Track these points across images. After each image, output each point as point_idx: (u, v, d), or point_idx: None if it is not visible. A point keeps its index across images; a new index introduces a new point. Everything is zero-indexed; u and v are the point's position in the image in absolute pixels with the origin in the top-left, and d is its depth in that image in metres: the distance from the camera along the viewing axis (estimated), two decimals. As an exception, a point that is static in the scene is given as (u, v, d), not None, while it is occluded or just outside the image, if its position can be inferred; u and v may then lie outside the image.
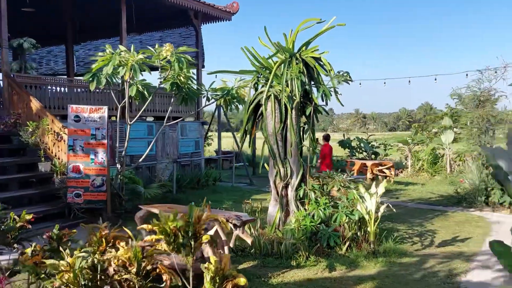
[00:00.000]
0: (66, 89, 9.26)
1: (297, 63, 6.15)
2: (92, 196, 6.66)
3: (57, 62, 15.92)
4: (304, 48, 6.33)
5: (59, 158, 7.34)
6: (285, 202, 6.27)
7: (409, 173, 13.69)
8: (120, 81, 8.27)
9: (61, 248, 3.14)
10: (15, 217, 3.73)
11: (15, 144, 7.69)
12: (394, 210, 6.35)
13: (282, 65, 6.11)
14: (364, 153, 14.34)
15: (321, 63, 6.21)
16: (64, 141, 7.24)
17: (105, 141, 6.71)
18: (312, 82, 6.38)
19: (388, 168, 11.84)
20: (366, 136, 15.03)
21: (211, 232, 3.15)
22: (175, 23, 12.97)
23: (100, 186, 6.69)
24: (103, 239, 2.82)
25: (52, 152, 7.47)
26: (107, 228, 3.15)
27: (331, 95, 6.04)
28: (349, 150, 14.49)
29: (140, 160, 7.86)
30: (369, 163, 11.97)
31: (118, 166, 7.35)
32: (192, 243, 2.67)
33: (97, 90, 10.19)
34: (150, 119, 11.98)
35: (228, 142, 20.72)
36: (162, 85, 7.51)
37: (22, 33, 10.15)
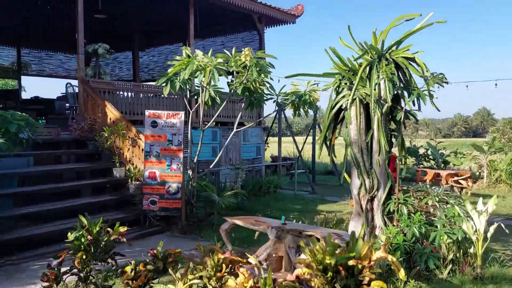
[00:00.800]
0: (132, 93, 9.33)
1: (387, 64, 5.69)
2: (167, 204, 6.54)
3: (122, 68, 16.36)
4: (394, 47, 5.85)
5: (133, 164, 7.32)
6: (370, 216, 5.80)
7: (484, 184, 12.66)
8: (189, 86, 8.14)
9: (170, 271, 2.89)
10: (109, 229, 3.57)
11: (90, 149, 7.78)
12: (507, 230, 5.62)
13: (369, 66, 5.68)
14: (432, 162, 13.45)
15: (414, 64, 5.70)
16: (139, 146, 7.21)
17: (181, 147, 6.58)
18: (401, 85, 5.89)
19: (465, 179, 10.96)
20: (434, 143, 14.13)
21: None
22: (238, 28, 12.86)
23: (175, 194, 6.55)
24: (222, 264, 2.52)
25: (126, 158, 7.47)
26: (222, 250, 2.86)
27: (426, 99, 5.52)
28: (415, 158, 13.66)
29: (211, 166, 7.70)
30: (443, 173, 11.14)
31: (190, 172, 7.20)
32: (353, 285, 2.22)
33: (164, 96, 10.26)
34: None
35: (282, 147, 20.38)
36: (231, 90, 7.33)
37: (92, 40, 10.41)
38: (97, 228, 3.35)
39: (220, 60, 6.52)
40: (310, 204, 10.13)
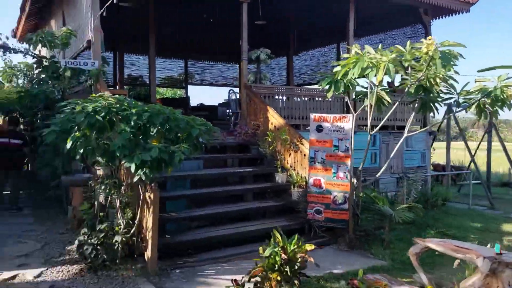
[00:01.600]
0: (286, 97, 9.17)
1: None
2: (334, 214, 6.05)
3: (274, 74, 16.71)
4: None
5: (294, 170, 7.06)
6: None
7: None
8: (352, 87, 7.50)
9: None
10: (294, 248, 3.20)
11: (253, 154, 7.81)
12: None
13: None
14: None
15: None
16: (301, 152, 6.92)
17: (349, 154, 6.03)
18: None
19: None
20: None
21: None
22: (399, 23, 11.76)
23: (342, 204, 6.02)
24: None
25: (287, 163, 7.26)
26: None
27: None
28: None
29: (378, 175, 6.95)
30: None
31: (354, 181, 6.59)
32: None
33: (318, 99, 9.90)
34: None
35: (442, 153, 18.14)
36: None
37: (251, 47, 10.68)
38: (292, 247, 3.02)
39: (393, 55, 5.76)
40: (492, 222, 8.51)
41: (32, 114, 10.38)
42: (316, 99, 9.81)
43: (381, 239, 6.19)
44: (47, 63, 7.02)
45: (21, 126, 10.18)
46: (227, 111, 11.75)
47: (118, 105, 4.22)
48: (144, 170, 3.99)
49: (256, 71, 9.66)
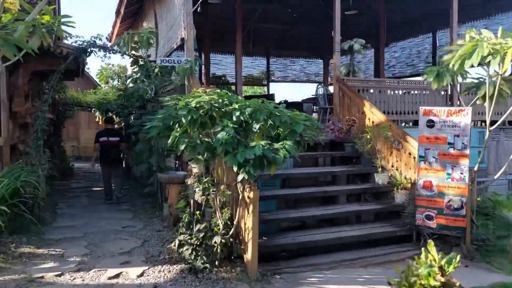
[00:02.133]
0: (378, 91, 8.47)
1: None
2: (448, 221, 5.34)
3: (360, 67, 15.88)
4: None
5: (397, 169, 6.42)
6: None
7: None
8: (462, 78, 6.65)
9: None
10: (437, 270, 2.68)
11: (347, 152, 7.29)
12: None
13: None
14: None
15: None
16: (405, 150, 6.27)
17: (467, 152, 5.27)
18: None
19: None
20: None
21: None
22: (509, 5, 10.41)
23: (458, 209, 5.29)
24: None
25: (388, 162, 6.63)
26: None
27: None
28: None
29: (496, 176, 6.05)
30: None
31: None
32: None
33: (414, 92, 9.05)
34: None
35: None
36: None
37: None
38: (452, 269, 2.54)
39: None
40: None
41: (127, 113, 10.88)
42: (412, 92, 9.00)
43: (505, 251, 5.35)
44: (142, 63, 7.16)
45: (116, 126, 10.76)
46: (313, 107, 11.30)
47: (220, 100, 4.01)
48: (247, 168, 3.73)
49: (349, 63, 9.09)
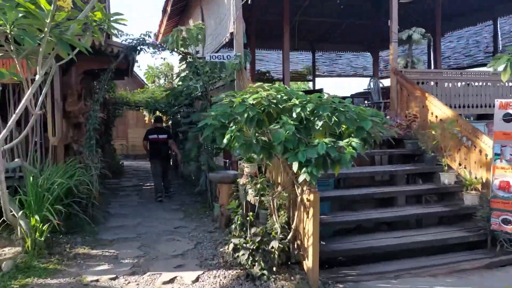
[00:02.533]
0: (435, 83, 7.84)
1: None
2: (530, 226, 4.77)
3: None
4: None
5: (465, 168, 5.87)
6: None
7: None
8: None
9: None
10: None
11: (408, 149, 6.79)
12: None
13: None
14: None
15: None
16: (475, 147, 5.71)
17: (553, 150, 4.67)
18: None
19: None
20: None
21: None
22: None
23: (543, 214, 4.70)
24: None
25: (454, 161, 6.09)
26: None
27: None
28: None
29: None
30: None
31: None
32: None
33: (476, 84, 8.35)
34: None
35: None
36: None
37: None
38: None
39: None
40: None
41: (175, 111, 10.87)
42: (474, 84, 8.31)
43: None
44: (191, 59, 7.02)
45: (163, 124, 10.80)
46: (365, 102, 10.77)
47: (279, 96, 3.73)
48: (309, 169, 3.42)
49: (407, 53, 8.51)
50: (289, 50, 12.44)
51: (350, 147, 3.46)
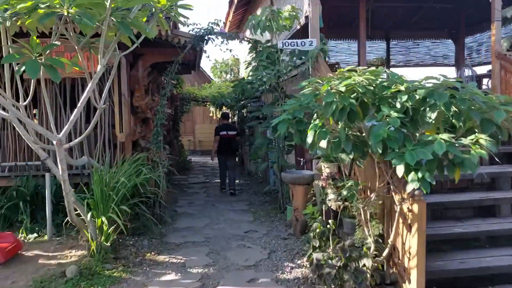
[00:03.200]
0: None
1: None
2: None
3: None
4: None
5: None
6: None
7: None
8: None
9: None
10: None
11: (517, 147, 5.68)
12: None
13: None
14: None
15: None
16: None
17: None
18: None
19: None
20: None
21: None
22: None
23: None
24: None
25: None
26: None
27: None
28: None
29: None
30: None
31: None
32: None
33: None
34: None
35: None
36: None
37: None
38: None
39: None
40: None
41: (242, 106, 10.46)
42: None
43: None
44: (261, 49, 6.45)
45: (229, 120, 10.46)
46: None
47: (378, 81, 3.01)
48: (421, 173, 2.67)
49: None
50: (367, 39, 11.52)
51: (476, 145, 2.65)
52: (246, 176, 10.74)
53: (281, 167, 6.45)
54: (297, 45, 5.91)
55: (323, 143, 3.16)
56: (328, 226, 4.47)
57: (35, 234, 5.39)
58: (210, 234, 5.48)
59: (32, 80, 4.17)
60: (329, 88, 3.03)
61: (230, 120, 9.88)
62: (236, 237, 5.31)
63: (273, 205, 6.90)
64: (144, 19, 4.18)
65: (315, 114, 3.44)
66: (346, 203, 4.16)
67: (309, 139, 3.19)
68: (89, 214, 4.48)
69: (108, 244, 4.35)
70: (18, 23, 3.62)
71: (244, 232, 5.54)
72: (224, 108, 12.59)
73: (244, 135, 10.91)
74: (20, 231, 5.41)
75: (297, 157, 6.53)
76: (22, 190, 5.75)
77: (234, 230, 5.62)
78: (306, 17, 6.02)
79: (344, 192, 3.75)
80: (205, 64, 46.33)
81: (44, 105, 6.19)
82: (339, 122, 3.13)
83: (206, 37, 6.43)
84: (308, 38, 6.09)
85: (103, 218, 4.43)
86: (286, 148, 6.56)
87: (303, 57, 6.07)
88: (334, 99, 2.97)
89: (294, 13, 6.10)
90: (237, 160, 10.88)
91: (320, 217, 4.70)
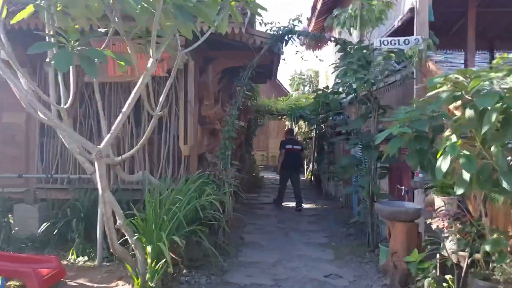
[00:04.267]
0: None
1: None
2: None
3: None
4: None
5: None
6: None
7: None
8: None
9: None
10: None
11: None
12: None
13: None
14: None
15: None
16: None
17: None
18: None
19: None
20: None
21: None
22: None
23: None
24: None
25: None
26: None
27: None
28: None
29: None
30: None
31: None
32: None
33: None
34: None
35: None
36: None
37: None
38: None
39: None
40: None
41: (322, 119, 9.39)
42: None
43: None
44: (351, 50, 5.35)
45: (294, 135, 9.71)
46: None
47: None
48: None
49: None
50: (468, 50, 9.93)
51: None
52: (323, 199, 9.55)
53: (371, 195, 5.25)
54: (399, 44, 4.73)
55: (466, 176, 2.00)
56: (446, 284, 3.24)
57: (86, 257, 4.78)
58: (281, 275, 4.43)
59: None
60: (487, 83, 1.87)
61: (292, 135, 9.42)
62: (314, 283, 4.19)
63: (359, 240, 5.68)
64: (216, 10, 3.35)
65: (448, 129, 2.28)
66: (477, 255, 2.94)
67: (444, 166, 2.05)
68: (136, 241, 3.70)
69: (153, 284, 3.50)
70: (58, 8, 2.96)
71: (324, 276, 4.39)
72: (301, 121, 11.61)
73: (323, 152, 9.86)
74: (71, 252, 4.84)
75: (395, 184, 5.27)
76: (77, 205, 5.21)
77: (311, 272, 4.51)
78: (411, 10, 4.83)
79: (487, 248, 2.51)
80: (282, 76, 45.57)
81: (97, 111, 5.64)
82: (498, 141, 1.95)
83: (286, 37, 5.50)
84: (411, 35, 4.89)
85: (149, 249, 3.61)
86: (379, 170, 5.35)
87: (403, 60, 4.87)
88: (496, 105, 1.81)
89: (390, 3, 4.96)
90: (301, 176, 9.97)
91: (434, 271, 3.45)
